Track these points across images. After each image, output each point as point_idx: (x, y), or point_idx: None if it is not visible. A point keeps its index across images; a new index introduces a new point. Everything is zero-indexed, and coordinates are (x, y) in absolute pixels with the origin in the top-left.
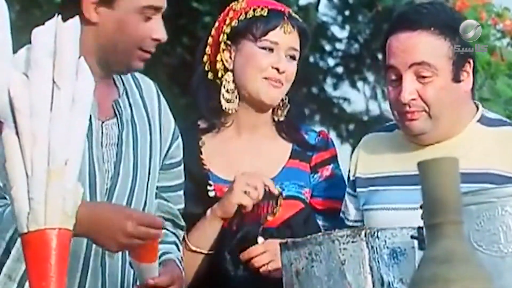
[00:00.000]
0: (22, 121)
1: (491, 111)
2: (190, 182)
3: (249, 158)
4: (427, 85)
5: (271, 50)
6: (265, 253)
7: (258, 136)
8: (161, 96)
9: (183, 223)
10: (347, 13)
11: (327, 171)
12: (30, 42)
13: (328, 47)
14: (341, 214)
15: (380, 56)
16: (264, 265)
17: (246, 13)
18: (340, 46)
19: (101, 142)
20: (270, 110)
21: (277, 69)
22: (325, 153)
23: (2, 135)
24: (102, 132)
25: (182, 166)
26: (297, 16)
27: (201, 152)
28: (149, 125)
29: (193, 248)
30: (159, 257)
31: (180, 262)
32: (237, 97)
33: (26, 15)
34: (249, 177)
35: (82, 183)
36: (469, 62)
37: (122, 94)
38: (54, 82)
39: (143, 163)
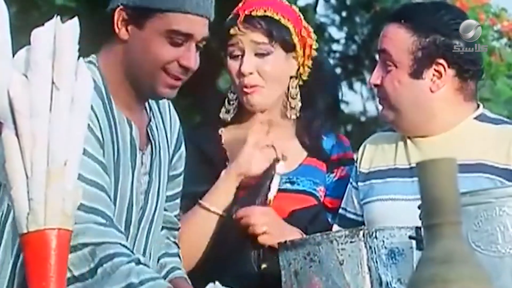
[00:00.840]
0: (21, 122)
1: (491, 111)
2: (208, 165)
3: (268, 151)
4: (387, 74)
5: (236, 56)
6: (262, 216)
7: (278, 133)
8: (171, 105)
9: (179, 226)
10: (344, 14)
11: (342, 171)
12: (29, 43)
13: (325, 48)
14: (341, 211)
15: (377, 57)
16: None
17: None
18: (337, 47)
19: (141, 173)
20: (280, 110)
21: (243, 74)
22: (342, 154)
23: (1, 136)
24: (142, 163)
25: (183, 176)
26: (253, 15)
27: (221, 140)
28: (167, 140)
29: (209, 207)
30: (169, 271)
31: (186, 279)
32: (236, 108)
33: (25, 16)
34: (262, 139)
35: (119, 214)
36: (441, 64)
37: (150, 116)
38: (53, 83)
39: (163, 185)
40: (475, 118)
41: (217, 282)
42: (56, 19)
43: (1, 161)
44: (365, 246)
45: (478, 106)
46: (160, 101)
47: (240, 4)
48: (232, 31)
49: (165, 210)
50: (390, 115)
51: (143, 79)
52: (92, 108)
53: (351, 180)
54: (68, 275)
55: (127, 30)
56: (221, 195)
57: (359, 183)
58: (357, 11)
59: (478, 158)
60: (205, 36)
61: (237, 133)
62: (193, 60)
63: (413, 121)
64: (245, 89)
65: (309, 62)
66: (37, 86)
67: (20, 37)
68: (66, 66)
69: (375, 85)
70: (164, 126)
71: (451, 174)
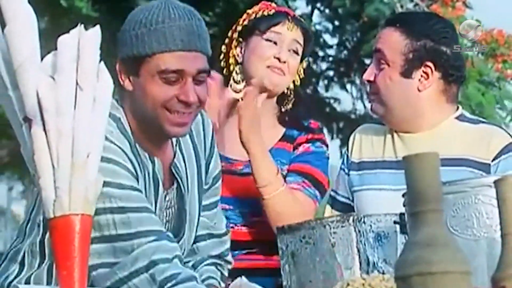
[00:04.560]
0: (49, 119)
1: None
2: None
3: None
4: (381, 71)
5: (275, 43)
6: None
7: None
8: (205, 120)
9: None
10: (337, 22)
11: (303, 147)
12: (56, 49)
13: (320, 53)
14: (332, 193)
15: (366, 61)
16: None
17: (256, 14)
18: (331, 52)
19: (164, 206)
20: (274, 101)
21: (279, 59)
22: (308, 135)
23: (31, 131)
24: (164, 199)
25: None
26: (301, 19)
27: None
28: (199, 154)
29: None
30: (204, 281)
31: (219, 283)
32: (244, 87)
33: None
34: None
35: None
36: (429, 66)
37: (176, 149)
38: (77, 84)
39: (193, 211)
40: (456, 118)
41: (243, 277)
42: (80, 27)
43: (31, 154)
44: (355, 230)
45: (458, 108)
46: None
47: (273, 5)
48: (281, 24)
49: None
50: (380, 109)
51: (150, 122)
52: (121, 147)
53: (342, 166)
54: None
55: (129, 80)
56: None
57: (351, 172)
58: (347, 20)
59: (461, 153)
60: (201, 69)
61: (223, 129)
62: (191, 94)
63: (401, 116)
64: (276, 70)
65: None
66: (63, 87)
67: (48, 43)
68: (89, 69)
69: (368, 81)
70: (196, 143)
71: (434, 167)
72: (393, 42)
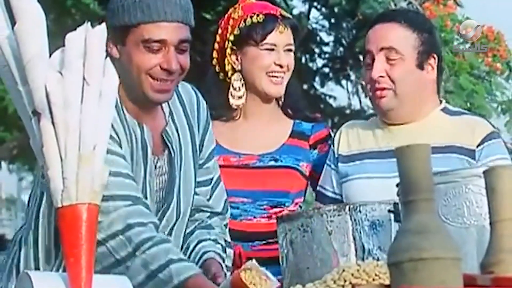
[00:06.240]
0: (57, 112)
1: (454, 104)
2: None
3: (253, 136)
4: (394, 66)
5: (271, 49)
6: None
7: (262, 121)
8: (199, 98)
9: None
10: (333, 20)
11: (324, 147)
12: (64, 45)
13: (317, 50)
14: (319, 188)
15: (361, 57)
16: None
17: (245, 21)
18: (327, 49)
19: (155, 173)
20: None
21: (280, 65)
22: (322, 132)
23: (40, 125)
24: (155, 166)
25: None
26: (288, 15)
27: None
28: (193, 129)
29: None
30: (200, 257)
31: (219, 254)
32: (244, 93)
33: (60, 22)
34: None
35: None
36: (433, 57)
37: (168, 119)
38: (84, 79)
39: (189, 181)
40: (441, 110)
41: (254, 260)
42: (87, 25)
43: (40, 146)
44: (351, 219)
45: (441, 101)
46: (186, 95)
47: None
48: (275, 30)
49: (196, 194)
50: (392, 102)
51: (135, 88)
52: None
53: (328, 162)
54: (112, 259)
55: (117, 48)
56: None
57: (340, 164)
58: (343, 18)
59: (447, 142)
60: (183, 39)
61: (224, 129)
62: (173, 62)
63: (411, 106)
64: (275, 79)
65: None
66: (70, 82)
67: (56, 40)
68: (95, 64)
69: (380, 77)
70: (190, 117)
71: (425, 158)
72: (404, 37)
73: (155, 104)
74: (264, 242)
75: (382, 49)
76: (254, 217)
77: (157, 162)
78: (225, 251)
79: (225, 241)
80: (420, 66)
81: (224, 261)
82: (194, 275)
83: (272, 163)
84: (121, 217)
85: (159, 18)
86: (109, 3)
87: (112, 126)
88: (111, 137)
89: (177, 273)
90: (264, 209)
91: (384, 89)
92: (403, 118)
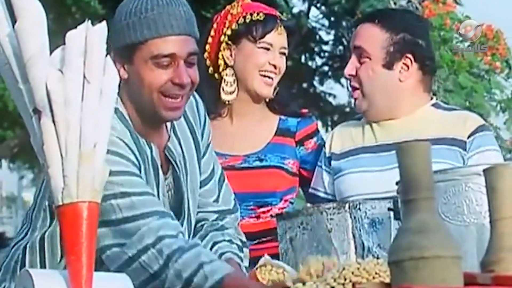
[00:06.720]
0: (57, 110)
1: (453, 102)
2: None
3: (240, 137)
4: (362, 65)
5: (268, 49)
6: None
7: (250, 121)
8: (197, 98)
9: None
10: (332, 19)
11: (310, 143)
12: (64, 44)
13: (316, 49)
14: (311, 190)
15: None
16: None
17: (244, 17)
18: (327, 47)
19: (165, 190)
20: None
21: (274, 66)
22: (308, 128)
23: (40, 123)
24: (164, 183)
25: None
26: (285, 18)
27: None
28: (195, 147)
29: None
30: (220, 256)
31: (237, 254)
32: (236, 89)
33: (60, 21)
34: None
35: None
36: (408, 58)
37: (170, 132)
38: (85, 77)
39: (196, 192)
40: (432, 105)
41: (266, 255)
42: (87, 23)
43: (40, 144)
44: (350, 217)
45: (432, 98)
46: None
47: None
48: (274, 30)
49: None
50: (363, 104)
51: (146, 107)
52: (124, 141)
53: (319, 163)
54: (147, 274)
55: (124, 68)
56: None
57: (333, 162)
58: (343, 17)
59: (437, 134)
60: (191, 51)
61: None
62: (183, 76)
63: (382, 106)
64: (267, 80)
65: None
66: (71, 80)
67: (57, 38)
68: (96, 62)
69: (350, 75)
70: (192, 123)
71: (426, 157)
72: (374, 36)
73: (167, 121)
74: (254, 242)
75: (354, 48)
76: (243, 218)
77: (165, 180)
78: (241, 251)
79: (241, 241)
80: (388, 66)
81: (242, 261)
82: (227, 274)
83: (257, 163)
84: (151, 231)
85: (167, 32)
86: (111, 23)
87: (130, 149)
88: (130, 160)
89: (211, 274)
90: (252, 209)
91: (355, 89)
92: (380, 117)
